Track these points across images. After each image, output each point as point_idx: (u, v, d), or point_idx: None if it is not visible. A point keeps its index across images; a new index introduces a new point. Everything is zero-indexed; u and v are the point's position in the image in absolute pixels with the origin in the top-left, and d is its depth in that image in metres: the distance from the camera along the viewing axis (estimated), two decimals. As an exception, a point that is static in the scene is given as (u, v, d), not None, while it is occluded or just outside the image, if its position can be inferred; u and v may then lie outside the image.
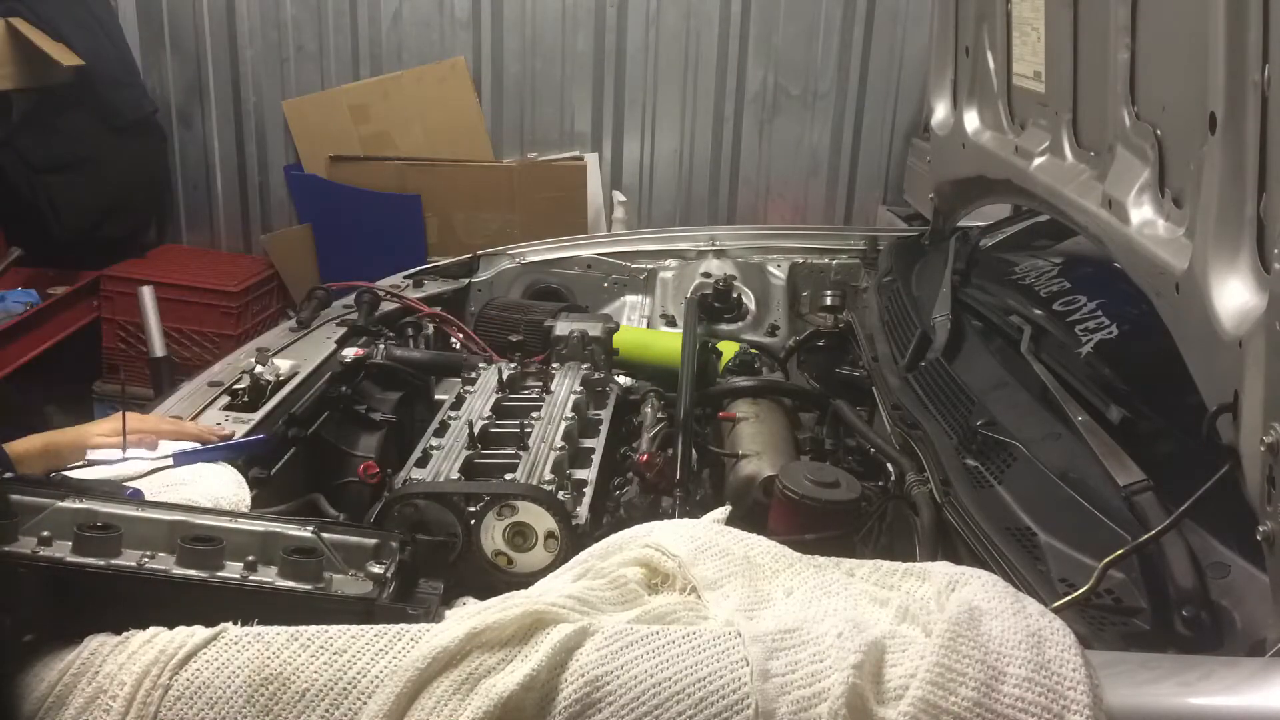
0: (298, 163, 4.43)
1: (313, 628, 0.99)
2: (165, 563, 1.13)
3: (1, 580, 1.08)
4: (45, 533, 1.12)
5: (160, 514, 1.18)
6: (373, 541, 1.22)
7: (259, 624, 1.03)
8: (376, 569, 1.18)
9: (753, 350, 2.14)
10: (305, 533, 1.20)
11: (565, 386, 1.83)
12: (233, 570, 1.13)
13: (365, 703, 0.93)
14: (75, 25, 3.89)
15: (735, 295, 2.58)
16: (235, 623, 1.02)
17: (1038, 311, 1.85)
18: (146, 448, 1.54)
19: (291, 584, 1.13)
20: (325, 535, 1.20)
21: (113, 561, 1.11)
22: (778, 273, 2.65)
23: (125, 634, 1.02)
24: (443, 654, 0.94)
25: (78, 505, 1.16)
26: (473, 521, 1.39)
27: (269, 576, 1.14)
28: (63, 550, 1.11)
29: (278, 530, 1.20)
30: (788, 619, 1.00)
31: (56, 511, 1.15)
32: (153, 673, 0.96)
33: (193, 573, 1.12)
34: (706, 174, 4.63)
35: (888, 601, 1.05)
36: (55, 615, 1.07)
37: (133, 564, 1.12)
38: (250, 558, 1.15)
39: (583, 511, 1.48)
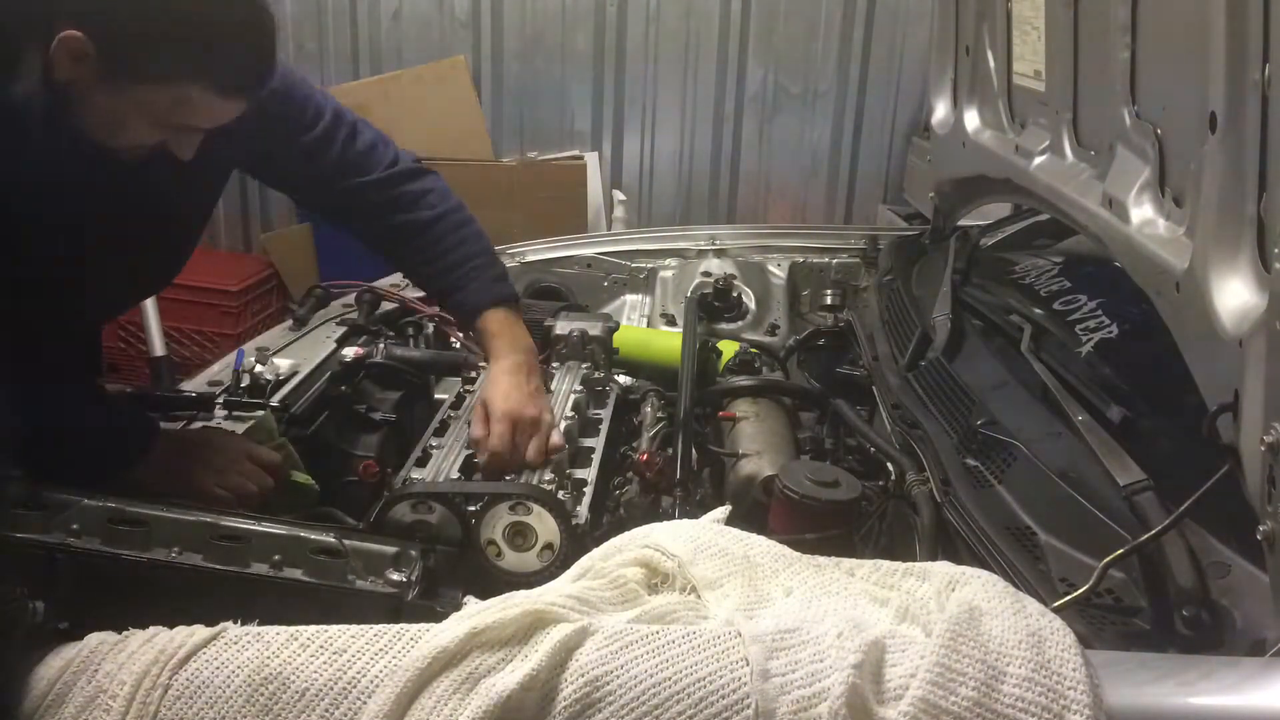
0: (298, 162, 4.43)
1: (312, 628, 0.99)
2: (193, 560, 1.15)
3: (39, 566, 1.10)
4: (75, 526, 1.14)
5: (185, 514, 1.20)
6: (392, 550, 1.23)
7: (260, 623, 1.03)
8: (396, 576, 1.19)
9: (753, 349, 2.13)
10: (327, 538, 1.21)
11: (565, 386, 1.83)
12: (260, 569, 1.16)
13: (365, 702, 0.93)
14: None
15: (735, 294, 2.57)
16: (236, 622, 1.03)
17: (1038, 311, 1.85)
18: None
19: (318, 581, 1.16)
20: (346, 542, 1.22)
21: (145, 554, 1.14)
22: (778, 272, 2.64)
23: (125, 633, 1.02)
24: (443, 654, 0.94)
25: (105, 504, 1.18)
26: (473, 521, 1.39)
27: (295, 576, 1.16)
28: (93, 544, 1.14)
29: (300, 534, 1.21)
30: (787, 619, 1.00)
31: (84, 509, 1.17)
32: (152, 672, 0.96)
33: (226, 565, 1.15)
34: (706, 174, 4.63)
35: (888, 601, 1.05)
36: (87, 605, 1.08)
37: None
38: (276, 558, 1.17)
39: (583, 511, 1.48)
